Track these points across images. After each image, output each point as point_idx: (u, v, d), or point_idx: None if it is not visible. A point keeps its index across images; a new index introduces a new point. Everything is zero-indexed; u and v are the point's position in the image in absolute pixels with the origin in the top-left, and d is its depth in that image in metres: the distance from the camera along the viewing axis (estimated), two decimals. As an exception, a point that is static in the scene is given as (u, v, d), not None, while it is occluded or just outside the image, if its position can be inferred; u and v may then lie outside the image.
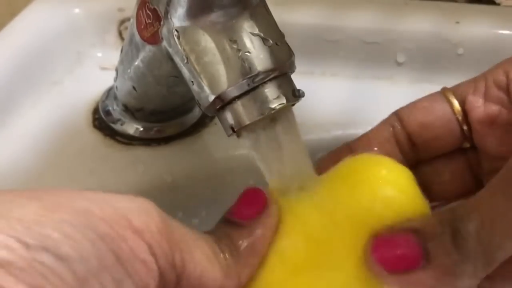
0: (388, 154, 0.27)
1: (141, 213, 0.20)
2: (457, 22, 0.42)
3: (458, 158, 0.29)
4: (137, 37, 0.30)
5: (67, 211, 0.19)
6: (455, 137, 0.28)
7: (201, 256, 0.22)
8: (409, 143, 0.28)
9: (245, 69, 0.25)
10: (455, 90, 0.28)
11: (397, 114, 0.29)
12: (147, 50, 0.29)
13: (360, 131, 0.39)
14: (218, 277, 0.23)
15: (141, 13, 0.28)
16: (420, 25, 0.42)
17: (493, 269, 0.22)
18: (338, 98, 0.41)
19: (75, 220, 0.19)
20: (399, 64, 0.43)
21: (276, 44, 0.25)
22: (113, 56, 0.37)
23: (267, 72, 0.25)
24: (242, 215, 0.25)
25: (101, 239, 0.19)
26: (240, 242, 0.24)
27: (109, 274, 0.19)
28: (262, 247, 0.25)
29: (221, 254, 0.23)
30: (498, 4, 0.44)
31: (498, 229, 0.21)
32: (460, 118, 0.28)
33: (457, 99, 0.28)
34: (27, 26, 0.44)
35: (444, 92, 0.28)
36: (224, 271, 0.23)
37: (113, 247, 0.19)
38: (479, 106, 0.27)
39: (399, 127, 0.28)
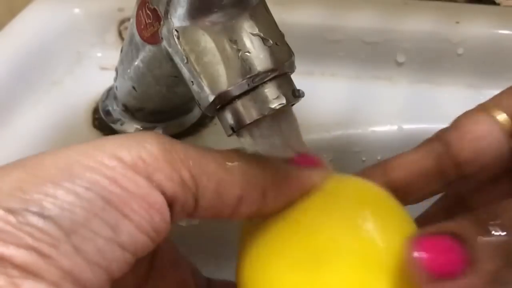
0: (426, 186, 0.26)
1: (132, 146, 0.20)
2: (457, 22, 0.42)
3: (505, 181, 0.26)
4: (137, 37, 0.30)
5: (49, 171, 0.19)
6: (506, 159, 0.25)
7: (214, 166, 0.21)
8: (456, 173, 0.26)
9: (245, 69, 0.25)
10: (498, 104, 0.26)
11: (441, 139, 0.26)
12: (147, 50, 0.29)
13: (360, 131, 0.39)
14: (237, 184, 0.22)
15: (141, 13, 0.28)
16: (420, 25, 0.42)
17: None
18: (338, 98, 0.41)
19: (57, 178, 0.19)
20: (399, 64, 0.43)
21: (276, 44, 0.25)
22: (113, 56, 0.37)
23: (267, 72, 0.25)
24: (293, 161, 0.24)
25: (86, 189, 0.19)
26: (280, 170, 0.23)
27: (100, 220, 0.19)
28: (296, 182, 0.24)
29: (246, 164, 0.22)
30: (498, 4, 0.44)
31: None
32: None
33: (506, 113, 0.25)
34: (27, 26, 0.44)
35: (487, 108, 0.26)
36: (246, 179, 0.22)
37: (102, 192, 0.19)
38: None
39: (445, 155, 0.26)
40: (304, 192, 0.24)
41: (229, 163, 0.22)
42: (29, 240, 0.18)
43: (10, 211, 0.18)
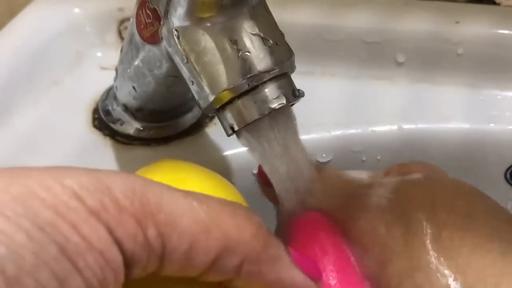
0: None
1: (95, 188, 0.17)
2: (457, 22, 0.42)
3: None
4: (137, 37, 0.30)
5: (2, 197, 0.16)
6: None
7: (190, 222, 0.18)
8: None
9: (245, 69, 0.25)
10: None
11: None
12: (147, 50, 0.29)
13: (360, 131, 0.39)
14: (213, 248, 0.18)
15: (141, 13, 0.28)
16: (420, 25, 0.42)
17: None
18: (338, 98, 0.41)
19: (10, 209, 0.16)
20: (399, 64, 0.43)
21: (276, 44, 0.25)
22: (113, 56, 0.37)
23: (267, 72, 0.25)
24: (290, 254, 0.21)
25: (40, 230, 0.16)
26: (272, 247, 0.20)
27: (49, 270, 0.16)
28: (284, 275, 0.21)
29: (229, 223, 0.19)
30: (498, 4, 0.44)
31: None
32: None
33: None
34: (27, 26, 0.44)
35: None
36: (224, 244, 0.19)
37: (57, 237, 0.16)
38: None
39: None
40: None
41: (211, 220, 0.19)
42: None
43: None
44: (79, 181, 0.17)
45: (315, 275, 0.22)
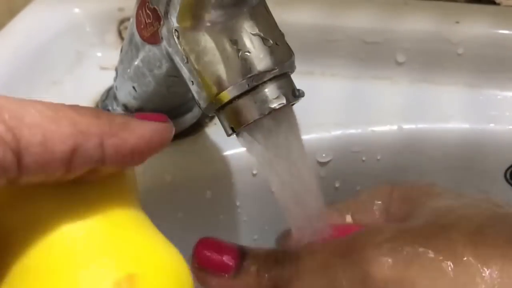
0: None
1: None
2: (457, 22, 0.42)
3: None
4: (137, 37, 0.30)
5: None
6: None
7: (38, 116, 0.18)
8: None
9: (245, 69, 0.25)
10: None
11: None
12: (147, 49, 0.29)
13: (360, 131, 0.39)
14: (68, 134, 0.19)
15: (141, 13, 0.28)
16: (420, 25, 0.42)
17: None
18: (338, 98, 0.41)
19: None
20: (399, 64, 0.43)
21: (276, 44, 0.25)
22: (113, 56, 0.37)
23: (267, 72, 0.25)
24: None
25: None
26: (116, 118, 0.21)
27: None
28: (138, 131, 0.21)
29: (76, 113, 0.19)
30: (498, 4, 0.44)
31: None
32: None
33: None
34: (26, 26, 0.44)
35: None
36: (77, 129, 0.19)
37: None
38: None
39: None
40: (149, 144, 0.22)
41: (56, 114, 0.19)
42: None
43: None
44: None
45: (163, 120, 0.23)
